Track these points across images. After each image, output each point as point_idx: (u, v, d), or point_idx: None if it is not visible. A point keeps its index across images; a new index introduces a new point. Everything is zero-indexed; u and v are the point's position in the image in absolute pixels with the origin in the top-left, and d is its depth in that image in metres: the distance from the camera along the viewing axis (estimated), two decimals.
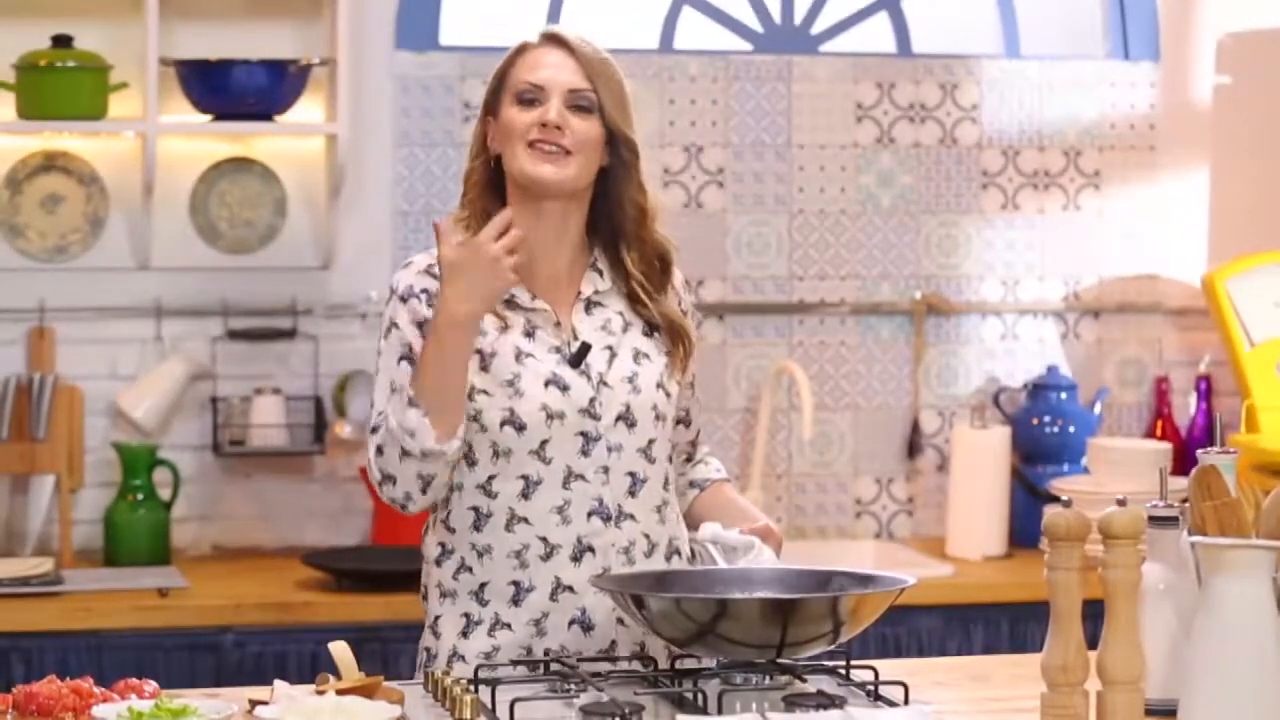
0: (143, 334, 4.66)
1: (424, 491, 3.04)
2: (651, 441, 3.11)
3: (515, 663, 2.97)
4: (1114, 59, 5.09)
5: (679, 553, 3.16)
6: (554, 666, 2.93)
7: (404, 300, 3.09)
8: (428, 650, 3.13)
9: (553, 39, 3.13)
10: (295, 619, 4.22)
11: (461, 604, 3.09)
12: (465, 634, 3.08)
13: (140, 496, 4.56)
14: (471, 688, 2.76)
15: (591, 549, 3.07)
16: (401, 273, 3.14)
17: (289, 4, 4.71)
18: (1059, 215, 5.07)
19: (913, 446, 5.00)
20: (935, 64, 5.01)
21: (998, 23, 5.11)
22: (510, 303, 3.10)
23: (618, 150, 3.12)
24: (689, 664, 2.93)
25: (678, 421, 3.22)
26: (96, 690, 2.72)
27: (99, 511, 4.61)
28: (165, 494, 4.59)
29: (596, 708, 2.64)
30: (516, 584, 3.06)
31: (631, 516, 3.09)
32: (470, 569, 3.09)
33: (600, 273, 3.16)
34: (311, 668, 4.05)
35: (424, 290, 3.08)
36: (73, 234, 4.66)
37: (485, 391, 3.05)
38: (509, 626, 3.06)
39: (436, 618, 3.12)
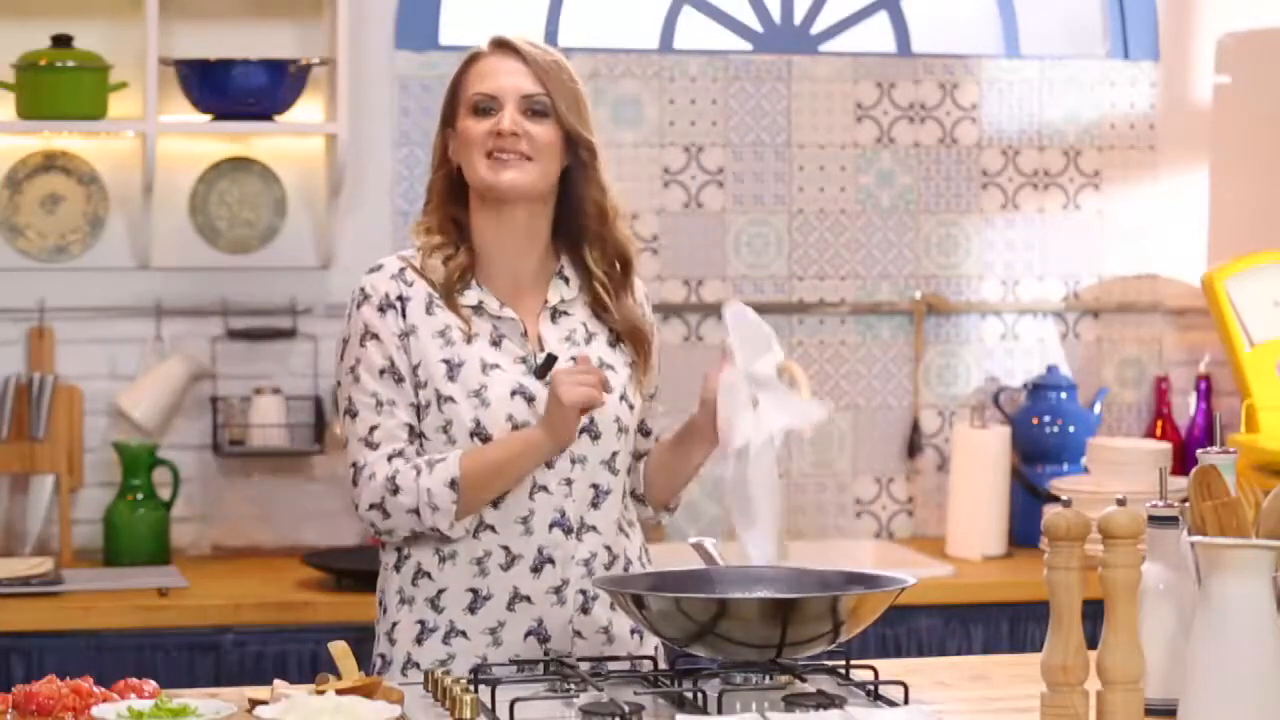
0: (143, 334, 4.66)
1: (406, 539, 3.08)
2: (615, 454, 3.12)
3: (515, 662, 2.97)
4: (1114, 59, 5.09)
5: (633, 564, 3.17)
6: (554, 666, 2.94)
7: (382, 311, 3.09)
8: (383, 657, 3.14)
9: (502, 45, 3.14)
10: (295, 619, 4.22)
11: (418, 611, 3.10)
12: (420, 641, 3.09)
13: (140, 496, 4.56)
14: (471, 687, 2.76)
15: (552, 560, 3.08)
16: (373, 277, 3.12)
17: (289, 4, 4.71)
18: (1059, 215, 5.07)
19: (913, 446, 5.00)
20: (935, 64, 5.01)
21: (998, 22, 5.11)
22: (478, 309, 3.10)
23: (576, 152, 3.12)
24: (688, 664, 2.94)
25: (637, 429, 3.22)
26: (96, 690, 2.72)
27: (99, 511, 4.61)
28: (165, 494, 4.59)
29: (596, 708, 2.64)
30: (475, 591, 3.07)
31: (594, 529, 3.11)
32: (429, 574, 3.09)
33: (566, 280, 3.17)
34: (311, 668, 4.05)
35: (400, 298, 3.09)
36: (73, 234, 4.66)
37: (452, 400, 3.06)
38: (464, 634, 3.07)
39: (394, 624, 3.12)
